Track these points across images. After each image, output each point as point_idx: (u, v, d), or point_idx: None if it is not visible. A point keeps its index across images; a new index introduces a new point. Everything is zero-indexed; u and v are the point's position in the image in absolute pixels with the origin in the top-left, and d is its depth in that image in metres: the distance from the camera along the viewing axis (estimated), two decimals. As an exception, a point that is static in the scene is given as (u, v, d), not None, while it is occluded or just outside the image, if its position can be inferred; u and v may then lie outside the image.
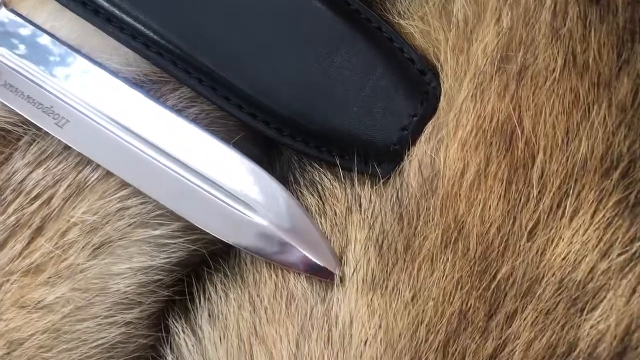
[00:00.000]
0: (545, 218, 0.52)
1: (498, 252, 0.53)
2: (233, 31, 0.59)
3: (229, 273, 0.59)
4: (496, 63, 0.54)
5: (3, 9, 0.62)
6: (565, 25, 0.55)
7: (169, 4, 0.59)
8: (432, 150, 0.55)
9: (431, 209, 0.55)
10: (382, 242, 0.55)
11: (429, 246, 0.53)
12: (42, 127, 0.60)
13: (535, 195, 0.53)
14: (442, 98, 0.57)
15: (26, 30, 0.61)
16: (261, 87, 0.59)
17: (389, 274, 0.54)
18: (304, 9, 0.59)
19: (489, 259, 0.53)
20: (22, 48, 0.61)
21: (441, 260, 0.53)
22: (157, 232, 0.59)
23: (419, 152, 0.56)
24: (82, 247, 0.59)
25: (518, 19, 0.55)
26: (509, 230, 0.53)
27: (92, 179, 0.60)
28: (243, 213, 0.58)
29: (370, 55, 0.59)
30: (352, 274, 0.55)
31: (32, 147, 0.62)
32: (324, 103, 0.59)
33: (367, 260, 0.55)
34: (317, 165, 0.59)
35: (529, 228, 0.53)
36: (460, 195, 0.54)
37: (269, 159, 0.62)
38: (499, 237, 0.53)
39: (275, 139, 0.60)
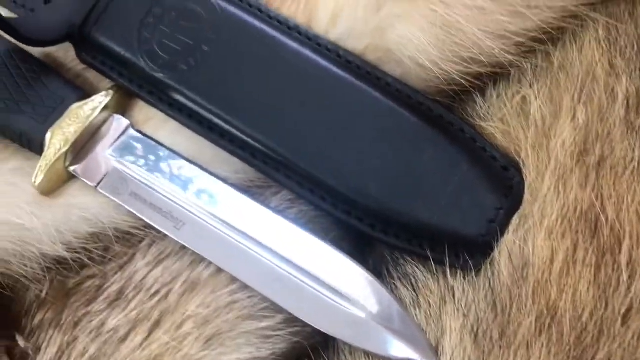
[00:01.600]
0: (638, 302, 0.46)
1: (593, 337, 0.46)
2: (329, 138, 0.56)
3: None
4: (575, 156, 0.50)
5: (131, 129, 0.60)
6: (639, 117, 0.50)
7: (273, 121, 0.56)
8: (521, 240, 0.50)
9: (523, 296, 0.49)
10: (477, 330, 0.49)
11: (523, 333, 0.47)
12: (162, 230, 0.56)
13: (625, 279, 0.47)
14: (526, 191, 0.53)
15: (150, 146, 0.59)
16: (354, 186, 0.54)
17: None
18: (391, 116, 0.56)
19: (584, 344, 0.46)
20: (146, 161, 0.58)
21: (536, 346, 0.47)
22: (263, 325, 0.55)
23: (508, 243, 0.51)
24: (196, 339, 0.55)
25: (593, 115, 0.50)
26: (602, 315, 0.46)
27: (205, 275, 0.56)
28: (341, 305, 0.52)
29: (455, 154, 0.54)
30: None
31: (152, 248, 0.59)
32: (414, 199, 0.54)
33: (463, 349, 0.49)
34: (409, 259, 0.54)
35: (622, 312, 0.46)
36: (550, 282, 0.48)
37: (362, 254, 0.58)
38: (593, 322, 0.46)
39: (369, 234, 0.56)
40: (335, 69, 0.56)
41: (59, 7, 0.64)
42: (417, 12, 0.53)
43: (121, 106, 0.61)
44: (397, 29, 0.54)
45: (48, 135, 0.59)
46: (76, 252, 0.58)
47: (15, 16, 0.66)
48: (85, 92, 0.62)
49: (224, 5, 0.59)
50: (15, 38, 0.61)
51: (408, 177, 0.53)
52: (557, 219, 0.47)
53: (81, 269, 0.58)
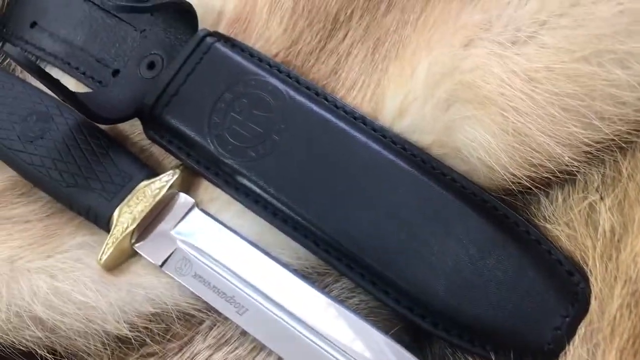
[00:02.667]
0: None
1: None
2: (393, 233, 0.52)
3: None
4: (651, 272, 0.46)
5: (196, 208, 0.55)
6: None
7: (338, 210, 0.52)
8: (589, 355, 0.45)
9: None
10: None
11: None
12: (224, 314, 0.51)
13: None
14: (592, 300, 0.47)
15: (214, 227, 0.54)
16: (419, 283, 0.49)
17: None
18: (457, 213, 0.51)
19: None
20: (210, 243, 0.53)
21: None
22: None
23: (575, 355, 0.46)
24: None
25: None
26: None
27: None
28: None
29: (520, 258, 0.49)
30: None
31: (213, 331, 0.54)
32: (478, 300, 0.49)
33: None
34: (470, 359, 0.50)
35: None
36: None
37: (422, 348, 0.53)
38: None
39: (430, 332, 0.52)
40: (400, 162, 0.51)
41: (127, 83, 0.60)
42: (487, 116, 0.48)
43: (186, 184, 0.57)
44: (466, 130, 0.49)
45: (116, 213, 0.55)
46: (138, 331, 0.53)
47: (86, 90, 0.62)
48: (152, 171, 0.58)
49: (293, 94, 0.54)
50: (84, 114, 0.57)
51: (473, 278, 0.49)
52: (629, 339, 0.43)
53: (141, 347, 0.54)
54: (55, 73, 0.64)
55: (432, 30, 0.51)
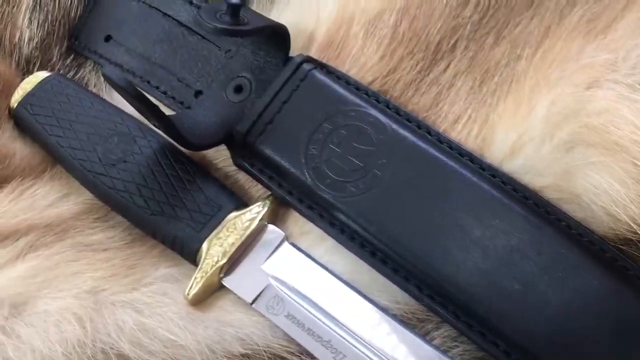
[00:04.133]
0: None
1: None
2: (507, 280, 0.47)
3: None
4: None
5: (286, 242, 0.51)
6: None
7: (445, 253, 0.48)
8: None
9: None
10: None
11: None
12: (320, 359, 0.47)
13: None
14: None
15: (307, 264, 0.49)
16: (534, 338, 0.44)
17: None
18: (574, 264, 0.46)
19: None
20: (303, 281, 0.48)
21: None
22: None
23: None
24: None
25: None
26: None
27: None
28: None
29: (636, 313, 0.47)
30: None
31: None
32: (602, 356, 0.47)
33: None
34: None
35: None
36: None
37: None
38: None
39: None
40: (512, 205, 0.47)
41: (213, 106, 0.55)
42: (616, 164, 0.44)
43: (275, 215, 0.53)
44: (590, 176, 0.45)
45: (205, 246, 0.50)
46: (227, 372, 0.49)
47: (171, 112, 0.57)
48: (241, 200, 0.53)
49: (395, 127, 0.50)
50: (175, 139, 0.52)
51: (595, 333, 0.44)
52: None
53: (228, 386, 0.50)
54: (132, 90, 0.60)
55: (552, 68, 0.47)
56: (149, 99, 0.48)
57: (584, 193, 0.46)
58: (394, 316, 0.48)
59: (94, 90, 0.61)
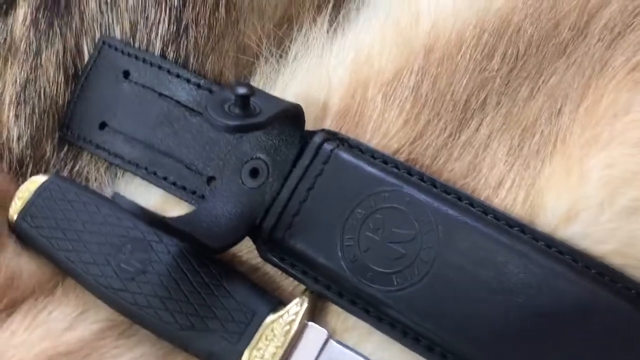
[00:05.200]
0: None
1: None
2: None
3: None
4: None
5: (331, 340, 0.46)
6: None
7: (511, 342, 0.44)
8: None
9: None
10: None
11: None
12: None
13: None
14: None
15: None
16: None
17: None
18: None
19: None
20: None
21: None
22: None
23: None
24: None
25: None
26: None
27: None
28: None
29: None
30: None
31: None
32: None
33: None
34: None
35: None
36: None
37: None
38: None
39: None
40: (573, 276, 0.43)
41: (229, 195, 0.50)
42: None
43: (313, 309, 0.48)
44: (661, 244, 0.41)
45: (245, 359, 0.46)
46: None
47: (178, 202, 0.52)
48: (274, 298, 0.48)
49: (436, 204, 0.45)
50: (195, 248, 0.47)
51: None
52: None
53: None
54: (139, 183, 0.55)
55: (600, 124, 0.42)
56: (163, 220, 0.43)
57: (653, 259, 0.41)
58: (461, 412, 0.44)
59: (95, 185, 0.56)
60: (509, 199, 0.45)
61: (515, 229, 0.44)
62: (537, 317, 0.42)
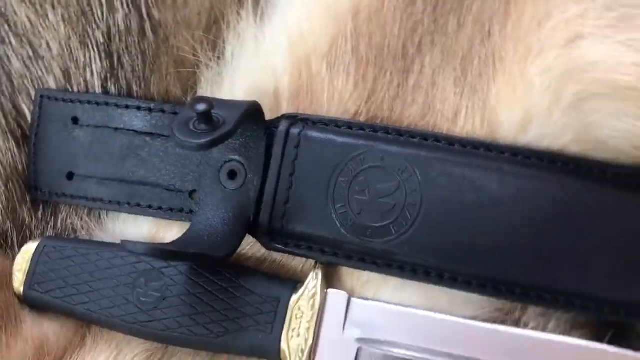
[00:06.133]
0: None
1: None
2: (572, 252, 0.48)
3: None
4: None
5: (353, 299, 0.49)
6: None
7: (507, 249, 0.47)
8: None
9: None
10: None
11: None
12: (435, 393, 0.50)
13: None
14: None
15: (384, 310, 0.48)
16: (599, 286, 0.46)
17: None
18: (619, 206, 0.48)
19: None
20: (390, 328, 0.48)
21: None
22: None
23: None
24: None
25: None
26: None
27: None
28: None
29: None
30: None
31: None
32: None
33: None
34: None
35: None
36: None
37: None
38: None
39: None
40: (543, 174, 0.47)
41: (215, 203, 0.52)
42: (629, 104, 0.43)
43: (329, 278, 0.51)
44: (608, 123, 0.44)
45: (284, 344, 0.49)
46: None
47: (179, 229, 0.54)
48: (291, 281, 0.51)
49: (406, 151, 0.48)
50: (205, 264, 0.50)
51: None
52: None
53: None
54: (124, 218, 0.56)
55: (529, 36, 0.45)
56: (172, 251, 0.45)
57: (609, 139, 0.46)
58: (484, 321, 0.48)
59: (84, 233, 0.57)
60: (468, 125, 0.49)
61: (482, 149, 0.48)
62: (525, 220, 0.47)
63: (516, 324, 0.49)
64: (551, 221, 0.46)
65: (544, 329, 0.49)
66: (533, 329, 0.49)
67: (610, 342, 0.48)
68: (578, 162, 0.47)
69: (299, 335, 0.49)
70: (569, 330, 0.49)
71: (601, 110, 0.45)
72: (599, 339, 0.49)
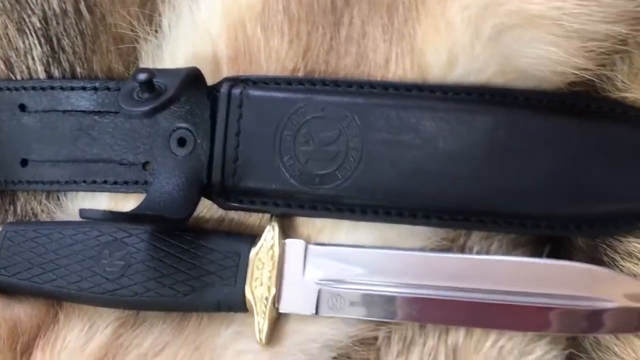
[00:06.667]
0: None
1: None
2: (502, 174, 0.50)
3: (604, 358, 0.50)
4: None
5: (309, 245, 0.51)
6: None
7: (444, 179, 0.49)
8: None
9: None
10: None
11: None
12: (395, 321, 0.50)
13: None
14: None
15: (339, 253, 0.51)
16: (543, 205, 0.49)
17: None
18: (544, 126, 0.50)
19: None
20: (345, 268, 0.51)
21: None
22: (537, 354, 0.50)
23: None
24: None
25: None
26: None
27: (460, 339, 0.51)
28: (593, 306, 0.48)
29: (617, 133, 0.49)
30: None
31: (392, 339, 0.53)
32: (600, 191, 0.49)
33: None
34: (623, 239, 0.49)
35: None
36: None
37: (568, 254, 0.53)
38: None
39: (571, 235, 0.53)
40: (473, 107, 0.50)
41: (168, 170, 0.54)
42: (545, 32, 0.46)
43: (286, 228, 0.54)
44: (528, 52, 0.47)
45: (248, 293, 0.51)
46: (330, 378, 0.52)
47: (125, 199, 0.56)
48: (249, 236, 0.54)
49: (344, 99, 0.51)
50: (164, 228, 0.51)
51: (586, 175, 0.49)
52: None
53: (337, 386, 0.53)
54: (82, 196, 0.58)
55: (445, -23, 0.48)
56: (128, 214, 0.47)
57: (529, 67, 0.49)
58: (432, 250, 0.52)
59: (45, 216, 0.58)
60: (399, 70, 0.52)
61: (414, 91, 0.51)
62: (459, 151, 0.50)
63: (462, 249, 0.52)
64: (483, 149, 0.50)
65: (487, 252, 0.52)
66: (477, 252, 0.52)
67: (549, 257, 0.52)
68: (504, 92, 0.51)
69: (261, 285, 0.51)
70: (511, 249, 0.53)
71: (518, 40, 0.48)
72: (539, 255, 0.53)
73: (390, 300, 0.51)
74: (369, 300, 0.51)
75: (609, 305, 0.49)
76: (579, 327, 0.49)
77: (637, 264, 0.50)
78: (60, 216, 0.58)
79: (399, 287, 0.51)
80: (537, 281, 0.50)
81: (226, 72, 0.54)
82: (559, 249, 0.54)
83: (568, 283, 0.50)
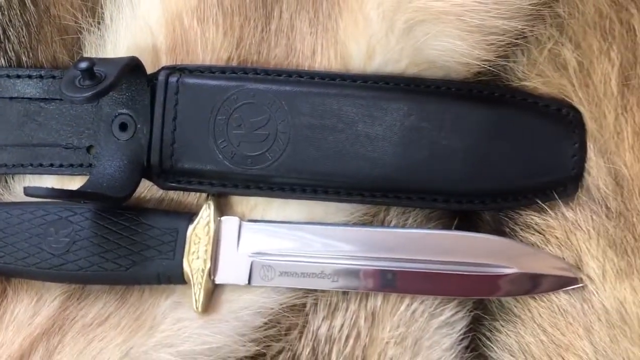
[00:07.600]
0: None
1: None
2: (416, 155, 0.54)
3: (505, 319, 0.55)
4: (623, 84, 0.53)
5: (243, 222, 0.56)
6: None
7: (366, 161, 0.54)
8: (608, 162, 0.53)
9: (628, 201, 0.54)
10: (609, 237, 0.51)
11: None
12: (321, 289, 0.55)
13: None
14: (588, 122, 0.53)
15: (270, 228, 0.56)
16: (448, 180, 0.55)
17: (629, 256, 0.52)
18: (451, 111, 0.54)
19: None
20: (275, 242, 0.55)
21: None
22: (445, 316, 0.55)
23: (597, 166, 0.52)
24: (403, 354, 0.57)
25: (620, 46, 0.54)
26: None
27: (378, 303, 0.56)
28: (493, 272, 0.54)
29: (516, 119, 0.54)
30: (599, 269, 0.53)
31: (319, 305, 0.56)
32: (502, 170, 0.55)
33: (603, 254, 0.52)
34: (523, 212, 0.55)
35: None
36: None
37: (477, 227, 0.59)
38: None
39: (481, 209, 0.59)
40: (390, 95, 0.55)
41: (111, 153, 0.57)
42: (449, 27, 0.52)
43: (221, 206, 0.58)
44: (435, 45, 0.53)
45: (186, 266, 0.55)
46: (262, 342, 0.56)
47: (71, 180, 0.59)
48: (187, 214, 0.58)
49: (273, 87, 0.55)
50: (106, 205, 0.55)
51: (490, 155, 0.54)
52: (634, 136, 0.51)
53: (269, 351, 0.58)
54: (30, 179, 0.61)
55: (362, -24, 0.53)
56: (73, 192, 0.50)
57: (437, 59, 0.54)
58: (354, 224, 0.57)
59: (-1, 199, 0.61)
60: (324, 60, 0.57)
61: (338, 80, 0.56)
62: (377, 134, 0.55)
63: (382, 223, 0.58)
64: (398, 133, 0.55)
65: (404, 225, 0.58)
66: (395, 225, 0.57)
67: (458, 229, 0.58)
68: (417, 81, 0.56)
69: (198, 258, 0.55)
70: (425, 223, 0.58)
71: (427, 34, 0.53)
72: (449, 228, 0.58)
73: (316, 270, 0.56)
74: (297, 270, 0.56)
75: (506, 271, 0.55)
76: (480, 291, 0.55)
77: (533, 234, 0.55)
78: (9, 198, 0.61)
79: (325, 257, 0.56)
80: (444, 250, 0.55)
81: (165, 61, 0.58)
82: (469, 223, 0.59)
83: (471, 252, 0.55)
